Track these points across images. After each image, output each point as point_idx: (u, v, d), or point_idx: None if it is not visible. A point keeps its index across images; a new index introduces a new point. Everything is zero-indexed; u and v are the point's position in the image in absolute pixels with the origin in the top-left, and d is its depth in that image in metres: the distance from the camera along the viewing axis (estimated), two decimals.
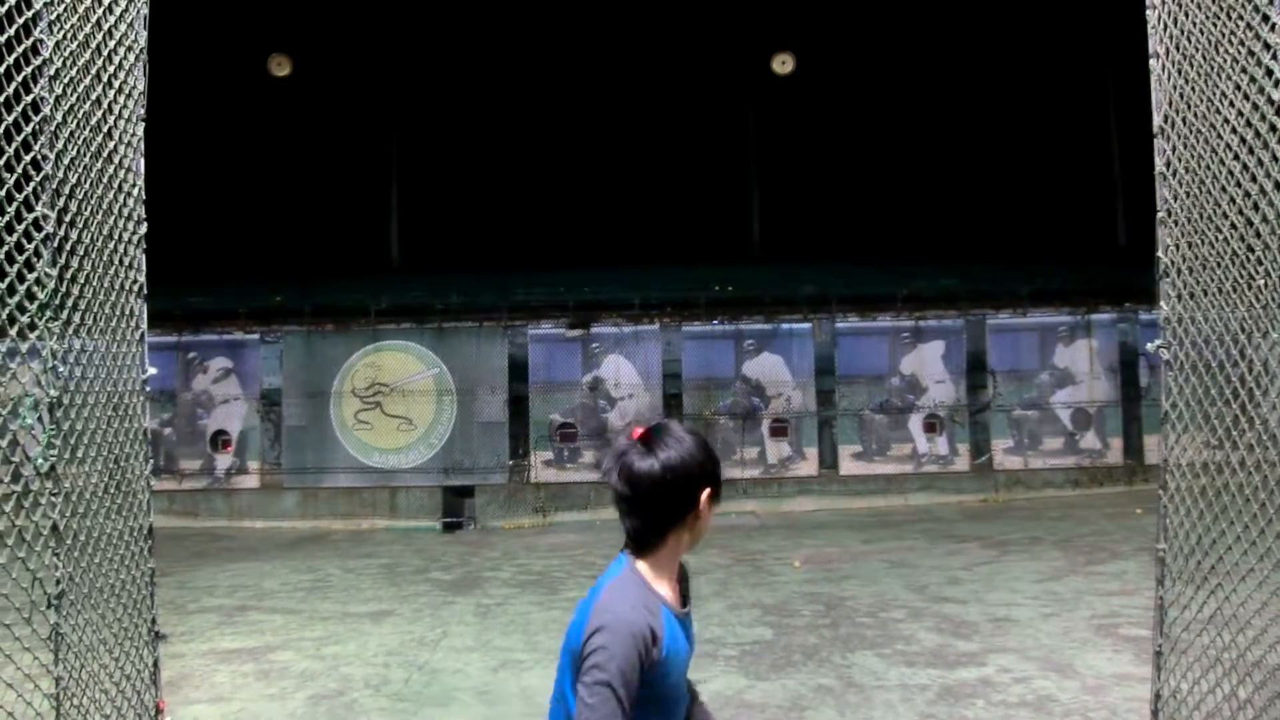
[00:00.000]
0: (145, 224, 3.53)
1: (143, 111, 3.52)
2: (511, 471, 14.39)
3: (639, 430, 1.78)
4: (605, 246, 16.34)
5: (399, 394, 14.44)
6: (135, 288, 3.48)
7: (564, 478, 14.24)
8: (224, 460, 14.51)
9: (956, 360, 14.79)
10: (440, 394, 14.41)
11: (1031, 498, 14.20)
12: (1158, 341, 3.42)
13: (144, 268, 3.54)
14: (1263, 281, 2.87)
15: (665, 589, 1.75)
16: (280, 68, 17.20)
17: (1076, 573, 8.56)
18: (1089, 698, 5.16)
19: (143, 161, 3.53)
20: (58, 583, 2.76)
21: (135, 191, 3.47)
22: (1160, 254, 3.40)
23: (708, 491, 1.73)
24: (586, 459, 14.24)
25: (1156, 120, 3.41)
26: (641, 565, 1.73)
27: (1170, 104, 3.30)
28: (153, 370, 3.57)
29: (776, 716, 5.10)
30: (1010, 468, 14.64)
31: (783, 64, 17.41)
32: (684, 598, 1.84)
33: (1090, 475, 14.60)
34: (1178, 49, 3.23)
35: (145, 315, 3.53)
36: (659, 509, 1.69)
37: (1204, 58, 3.07)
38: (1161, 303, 3.39)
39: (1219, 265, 3.08)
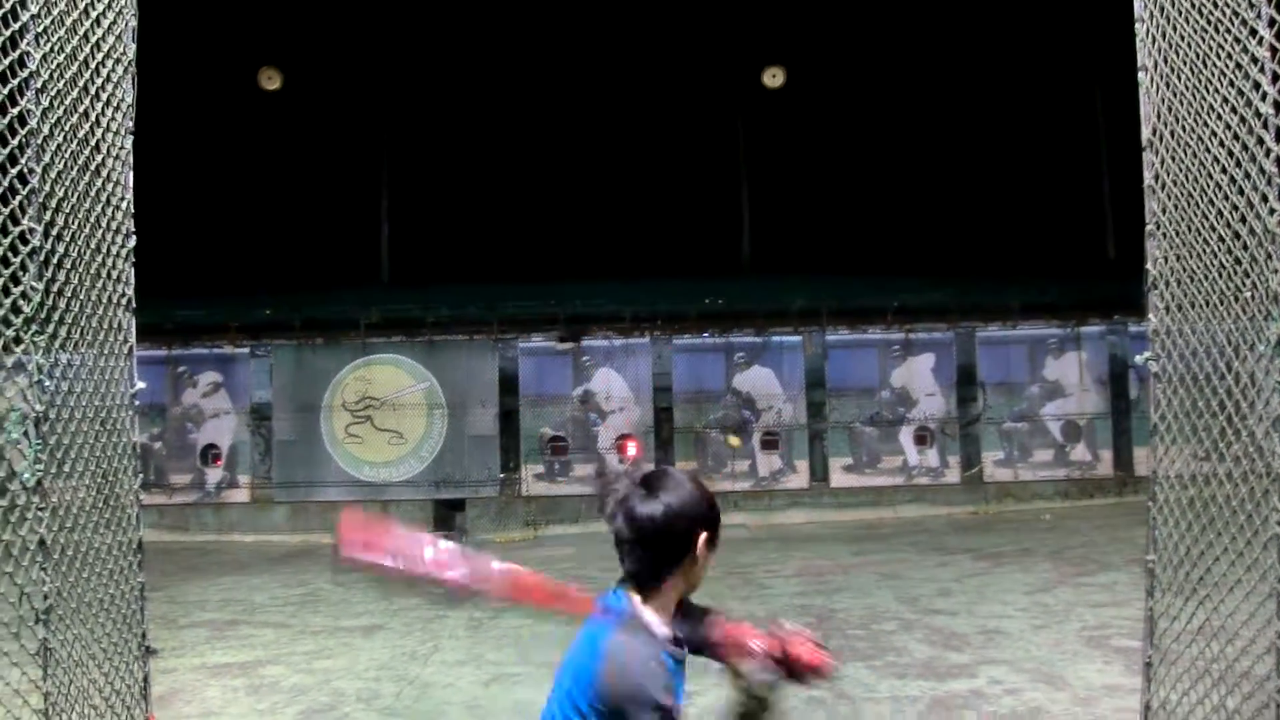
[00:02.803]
0: (134, 237, 3.51)
1: (131, 124, 3.50)
2: (503, 485, 14.34)
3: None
4: (595, 259, 16.35)
5: (389, 407, 14.39)
6: (123, 301, 3.45)
7: (555, 491, 14.18)
8: (214, 474, 14.42)
9: (946, 373, 14.82)
10: (431, 407, 14.37)
11: (1021, 510, 14.22)
12: (1147, 354, 3.43)
13: (132, 281, 3.51)
14: (1250, 294, 2.88)
15: (665, 630, 1.77)
16: (270, 81, 17.20)
17: (1066, 584, 8.57)
18: (1080, 709, 5.16)
19: (131, 174, 3.51)
20: (45, 598, 2.73)
21: (123, 205, 3.45)
22: (1149, 266, 3.41)
23: (705, 536, 1.75)
24: (577, 472, 14.19)
25: (1145, 133, 3.42)
26: (644, 608, 1.75)
27: (1159, 117, 3.32)
28: (141, 384, 3.54)
29: None
30: (1000, 480, 14.67)
31: (773, 77, 17.51)
32: (679, 640, 1.85)
33: (1080, 487, 14.63)
34: (1166, 62, 3.25)
35: (134, 329, 3.51)
36: (658, 552, 1.72)
37: (1192, 71, 3.09)
38: (1150, 315, 3.40)
39: (1207, 278, 3.09)
